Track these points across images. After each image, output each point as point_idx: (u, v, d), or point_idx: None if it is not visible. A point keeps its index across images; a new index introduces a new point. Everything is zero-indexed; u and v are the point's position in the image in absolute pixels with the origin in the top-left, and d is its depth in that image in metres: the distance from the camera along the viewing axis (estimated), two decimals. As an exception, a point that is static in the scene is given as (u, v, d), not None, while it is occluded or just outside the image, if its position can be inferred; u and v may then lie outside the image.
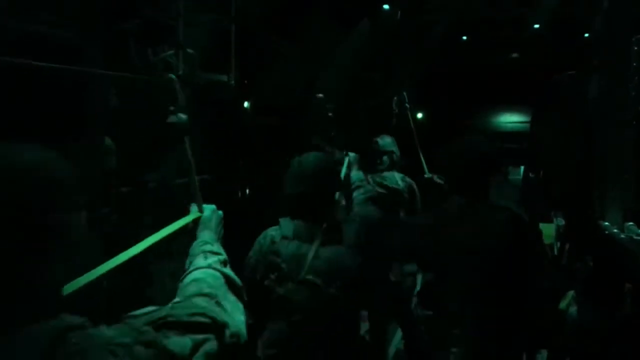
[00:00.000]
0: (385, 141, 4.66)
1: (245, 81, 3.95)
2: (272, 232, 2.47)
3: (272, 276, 2.35)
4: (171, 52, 3.49)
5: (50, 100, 2.73)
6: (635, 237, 2.63)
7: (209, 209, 1.72)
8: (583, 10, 4.81)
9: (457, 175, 2.93)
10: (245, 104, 4.25)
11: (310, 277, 2.28)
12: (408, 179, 4.60)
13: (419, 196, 4.61)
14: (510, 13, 7.70)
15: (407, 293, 4.59)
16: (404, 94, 5.26)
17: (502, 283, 2.62)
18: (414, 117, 5.45)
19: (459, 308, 2.75)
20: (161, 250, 3.53)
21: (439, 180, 4.49)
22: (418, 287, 4.82)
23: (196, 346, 1.12)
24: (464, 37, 9.09)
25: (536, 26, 7.67)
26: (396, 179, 4.55)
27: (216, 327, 1.19)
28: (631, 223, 2.73)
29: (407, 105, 5.20)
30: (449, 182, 3.19)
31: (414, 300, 4.88)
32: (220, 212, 1.74)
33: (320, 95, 4.12)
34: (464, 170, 2.85)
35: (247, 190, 4.31)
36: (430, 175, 4.73)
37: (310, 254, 2.31)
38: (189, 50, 3.44)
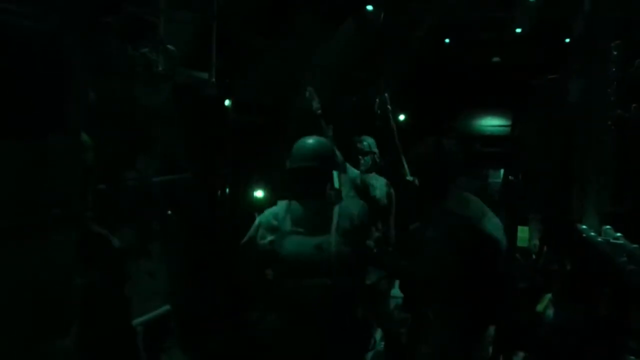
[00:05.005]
0: (369, 142, 4.64)
1: (227, 79, 3.91)
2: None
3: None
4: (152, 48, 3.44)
5: (26, 93, 2.66)
6: (611, 241, 2.65)
7: None
8: (564, 15, 4.86)
9: (420, 180, 2.98)
10: (227, 102, 4.21)
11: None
12: (389, 186, 4.58)
13: (394, 203, 4.57)
14: (493, 17, 7.75)
15: (382, 296, 4.54)
16: (386, 95, 5.24)
17: (464, 288, 2.64)
18: (396, 119, 5.44)
19: (432, 311, 2.77)
20: (139, 250, 3.47)
21: None
22: (395, 289, 4.78)
23: None
24: (447, 40, 9.12)
25: (518, 30, 7.72)
26: (382, 184, 4.52)
27: None
28: (608, 226, 2.74)
29: (388, 107, 5.18)
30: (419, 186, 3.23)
31: (393, 302, 4.86)
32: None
33: (310, 89, 4.07)
34: (424, 175, 2.90)
35: (228, 189, 4.27)
36: (412, 178, 4.70)
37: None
38: (170, 47, 3.40)
